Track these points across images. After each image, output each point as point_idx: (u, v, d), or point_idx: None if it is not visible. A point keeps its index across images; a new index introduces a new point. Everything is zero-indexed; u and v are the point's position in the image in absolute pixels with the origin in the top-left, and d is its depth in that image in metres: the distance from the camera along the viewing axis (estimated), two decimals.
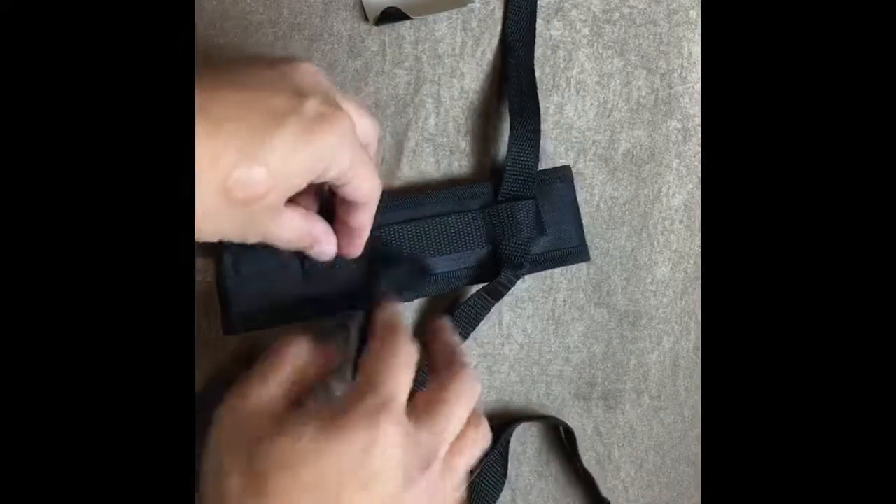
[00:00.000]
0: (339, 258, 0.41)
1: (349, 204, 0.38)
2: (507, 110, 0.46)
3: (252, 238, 0.36)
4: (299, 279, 0.42)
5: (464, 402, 0.35)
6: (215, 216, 0.33)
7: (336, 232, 0.40)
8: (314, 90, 0.35)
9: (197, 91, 0.32)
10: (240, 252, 0.41)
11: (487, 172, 0.46)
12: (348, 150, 0.35)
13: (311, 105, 0.34)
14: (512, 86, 0.45)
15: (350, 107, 0.37)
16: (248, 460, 0.32)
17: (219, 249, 0.41)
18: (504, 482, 0.46)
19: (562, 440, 0.47)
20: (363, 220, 0.39)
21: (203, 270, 0.42)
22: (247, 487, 0.31)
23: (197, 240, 0.34)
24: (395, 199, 0.43)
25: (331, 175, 0.36)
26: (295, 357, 0.36)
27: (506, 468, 0.46)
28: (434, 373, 0.37)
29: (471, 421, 0.36)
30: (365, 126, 0.38)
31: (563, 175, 0.46)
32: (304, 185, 0.35)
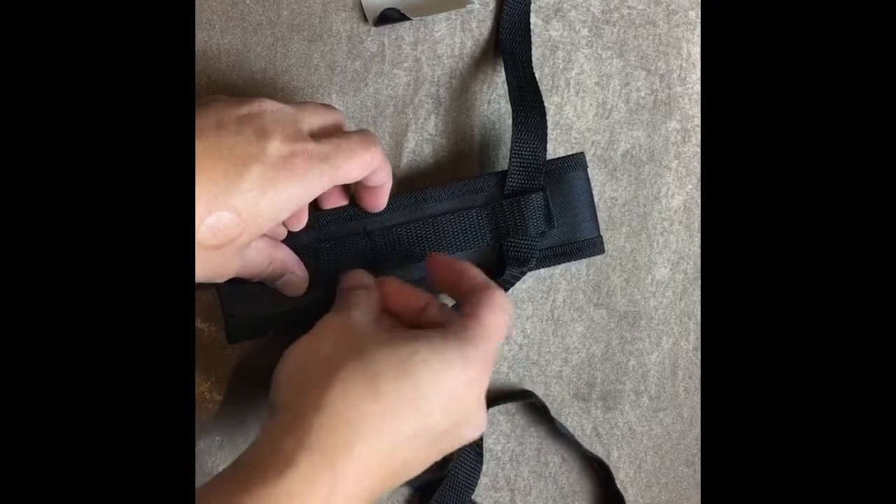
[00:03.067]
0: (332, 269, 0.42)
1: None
2: (507, 109, 0.46)
3: (222, 278, 0.37)
4: None
5: (502, 329, 0.37)
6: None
7: (359, 195, 0.42)
8: (275, 127, 0.35)
9: None
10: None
11: (489, 171, 0.46)
12: (318, 176, 0.36)
13: (274, 147, 0.35)
14: (511, 77, 0.44)
15: (309, 114, 0.38)
16: (363, 358, 0.34)
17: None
18: (479, 471, 0.45)
19: (560, 435, 0.47)
20: (380, 180, 0.40)
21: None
22: (361, 382, 0.33)
23: None
24: (396, 200, 0.43)
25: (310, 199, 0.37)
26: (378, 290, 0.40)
27: (480, 455, 0.45)
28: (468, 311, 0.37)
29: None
30: (328, 121, 0.39)
31: (577, 163, 0.44)
32: (276, 224, 0.36)
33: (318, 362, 0.34)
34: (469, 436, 0.36)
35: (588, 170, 0.45)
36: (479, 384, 0.35)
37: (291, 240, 0.41)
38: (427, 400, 0.33)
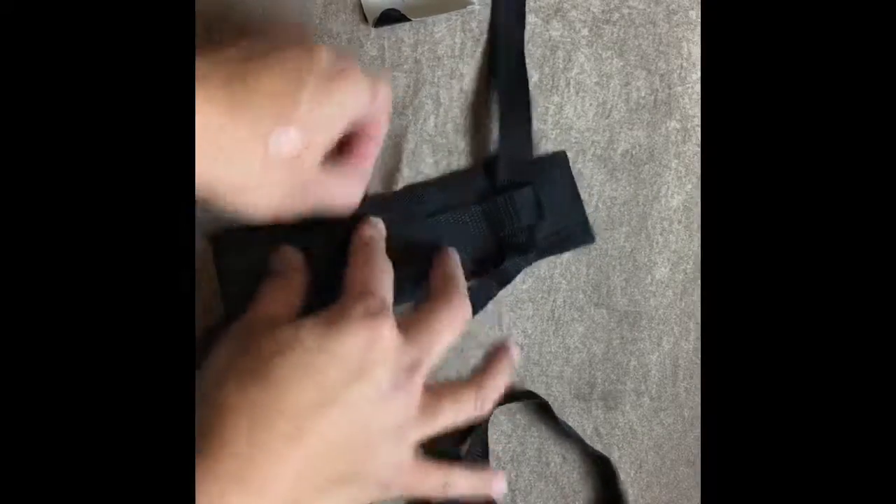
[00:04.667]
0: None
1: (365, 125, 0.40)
2: None
3: (304, 206, 0.37)
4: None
5: (451, 326, 0.38)
6: (266, 189, 0.35)
7: (354, 147, 0.40)
8: (323, 47, 0.36)
9: (222, 61, 0.33)
10: (238, 255, 0.41)
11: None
12: (365, 91, 0.37)
13: (326, 57, 0.35)
14: (501, 73, 0.45)
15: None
16: (251, 349, 0.34)
17: (215, 250, 0.41)
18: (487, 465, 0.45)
19: (562, 435, 0.47)
20: (384, 122, 0.40)
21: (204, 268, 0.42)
22: (249, 372, 0.33)
23: (254, 216, 0.36)
24: (390, 200, 0.43)
25: (358, 118, 0.37)
26: (296, 275, 0.39)
27: (486, 452, 0.45)
28: (430, 298, 0.39)
29: (465, 385, 0.39)
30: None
31: (559, 160, 0.46)
32: (337, 137, 0.37)
33: (213, 373, 0.34)
34: (392, 402, 0.35)
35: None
36: (364, 338, 0.34)
37: (294, 242, 0.41)
38: (316, 368, 0.33)
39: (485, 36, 0.46)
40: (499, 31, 0.45)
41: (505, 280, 0.44)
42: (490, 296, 0.44)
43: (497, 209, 0.44)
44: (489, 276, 0.43)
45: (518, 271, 0.44)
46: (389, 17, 0.44)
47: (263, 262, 0.41)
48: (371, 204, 0.43)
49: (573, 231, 0.45)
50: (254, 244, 0.41)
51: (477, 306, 0.44)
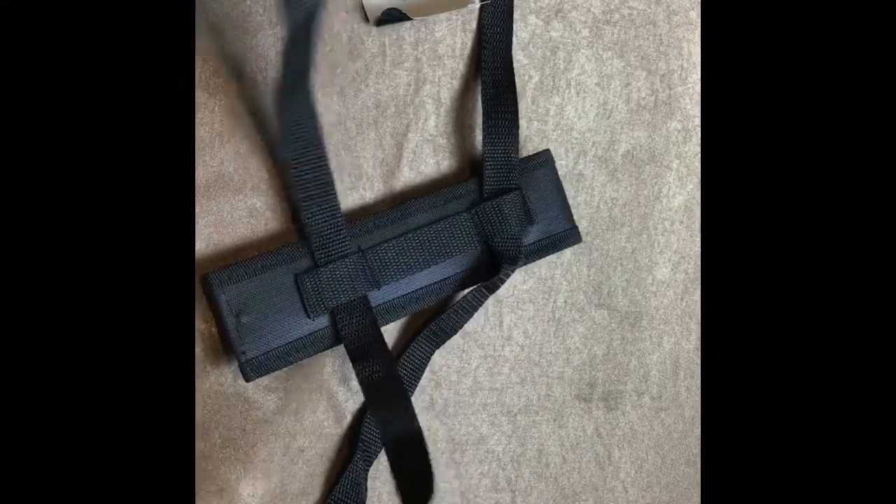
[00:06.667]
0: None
1: None
2: None
3: None
4: (303, 319, 0.42)
5: None
6: None
7: None
8: None
9: None
10: (237, 299, 0.41)
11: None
12: None
13: None
14: (486, 77, 0.45)
15: None
16: None
17: (214, 294, 0.41)
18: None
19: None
20: None
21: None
22: None
23: None
24: (380, 217, 0.43)
25: None
26: None
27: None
28: None
29: None
30: None
31: (544, 160, 0.46)
32: None
33: None
34: None
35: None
36: None
37: (291, 267, 0.41)
38: None
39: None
40: (485, 34, 0.45)
41: (494, 288, 0.44)
42: (480, 302, 0.44)
43: (487, 216, 0.44)
44: (481, 285, 0.43)
45: (507, 278, 0.44)
46: (390, 17, 0.44)
47: (253, 295, 0.41)
48: (363, 224, 0.43)
49: (561, 236, 0.45)
50: (242, 279, 0.41)
51: (468, 311, 0.44)
